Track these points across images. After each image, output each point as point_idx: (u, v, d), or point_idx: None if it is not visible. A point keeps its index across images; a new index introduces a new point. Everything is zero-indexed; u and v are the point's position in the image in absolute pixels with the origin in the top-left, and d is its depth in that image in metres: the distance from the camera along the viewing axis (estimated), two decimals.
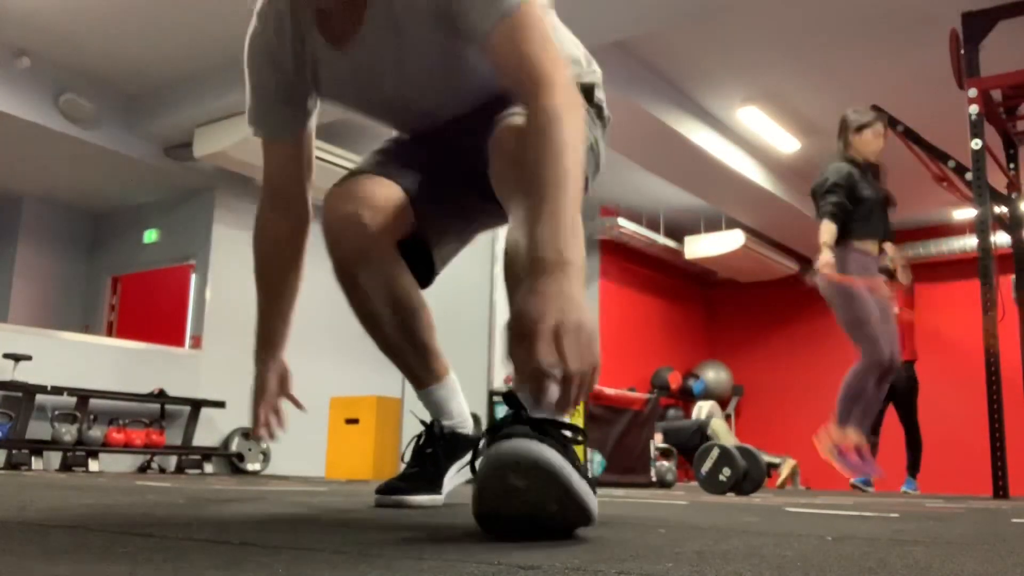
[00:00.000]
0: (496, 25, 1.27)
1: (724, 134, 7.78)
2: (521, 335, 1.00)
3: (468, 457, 1.74)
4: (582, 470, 0.99)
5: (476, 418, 1.81)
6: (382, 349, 1.70)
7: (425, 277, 1.68)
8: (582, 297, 1.05)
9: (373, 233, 1.52)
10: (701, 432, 7.63)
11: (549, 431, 0.99)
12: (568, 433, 1.02)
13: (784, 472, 7.66)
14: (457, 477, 1.73)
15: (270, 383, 1.65)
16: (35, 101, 6.84)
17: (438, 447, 1.70)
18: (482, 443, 1.75)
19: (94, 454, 6.53)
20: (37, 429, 6.40)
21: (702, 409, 8.80)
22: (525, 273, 1.08)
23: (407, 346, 1.68)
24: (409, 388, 1.76)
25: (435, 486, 1.67)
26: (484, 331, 5.61)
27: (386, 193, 1.54)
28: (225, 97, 6.71)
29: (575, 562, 0.72)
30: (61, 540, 0.84)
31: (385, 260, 1.58)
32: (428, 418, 1.74)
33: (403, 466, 1.74)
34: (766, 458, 4.25)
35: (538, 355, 0.98)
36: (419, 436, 1.74)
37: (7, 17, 6.14)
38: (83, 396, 6.57)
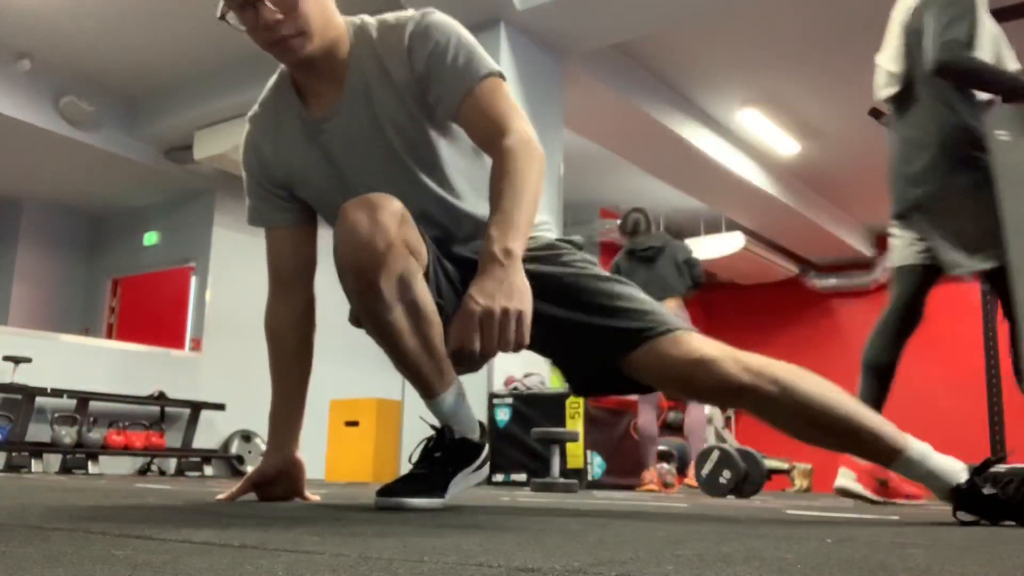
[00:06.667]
0: (465, 97, 1.55)
1: (724, 136, 7.79)
2: (470, 311, 1.30)
3: (477, 463, 1.75)
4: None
5: (482, 425, 1.80)
6: (399, 362, 1.62)
7: None
8: (524, 283, 1.35)
9: (393, 234, 1.47)
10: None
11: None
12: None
13: (799, 480, 7.49)
14: (464, 482, 1.73)
15: (263, 474, 1.80)
16: (35, 104, 6.85)
17: (447, 453, 1.70)
18: (486, 450, 1.77)
19: (94, 456, 6.53)
20: (37, 431, 6.40)
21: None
22: (480, 262, 1.37)
23: (424, 355, 1.61)
24: (410, 390, 1.73)
25: (438, 490, 1.67)
26: None
27: (396, 202, 1.52)
28: (225, 100, 6.71)
29: (575, 564, 0.72)
30: (61, 542, 0.84)
31: (406, 263, 1.52)
32: (437, 422, 1.74)
33: (409, 467, 1.74)
34: (771, 463, 4.22)
35: (472, 331, 1.29)
36: (429, 439, 1.73)
37: (8, 20, 6.14)
38: (83, 398, 6.57)
